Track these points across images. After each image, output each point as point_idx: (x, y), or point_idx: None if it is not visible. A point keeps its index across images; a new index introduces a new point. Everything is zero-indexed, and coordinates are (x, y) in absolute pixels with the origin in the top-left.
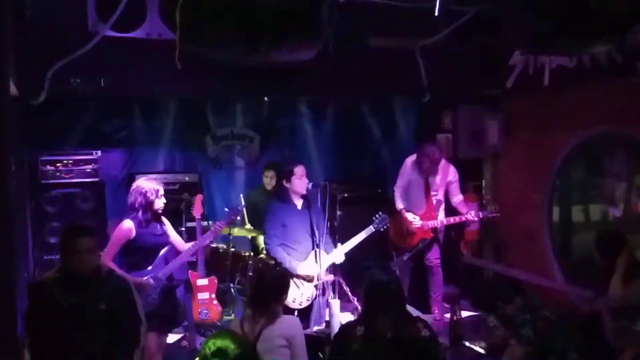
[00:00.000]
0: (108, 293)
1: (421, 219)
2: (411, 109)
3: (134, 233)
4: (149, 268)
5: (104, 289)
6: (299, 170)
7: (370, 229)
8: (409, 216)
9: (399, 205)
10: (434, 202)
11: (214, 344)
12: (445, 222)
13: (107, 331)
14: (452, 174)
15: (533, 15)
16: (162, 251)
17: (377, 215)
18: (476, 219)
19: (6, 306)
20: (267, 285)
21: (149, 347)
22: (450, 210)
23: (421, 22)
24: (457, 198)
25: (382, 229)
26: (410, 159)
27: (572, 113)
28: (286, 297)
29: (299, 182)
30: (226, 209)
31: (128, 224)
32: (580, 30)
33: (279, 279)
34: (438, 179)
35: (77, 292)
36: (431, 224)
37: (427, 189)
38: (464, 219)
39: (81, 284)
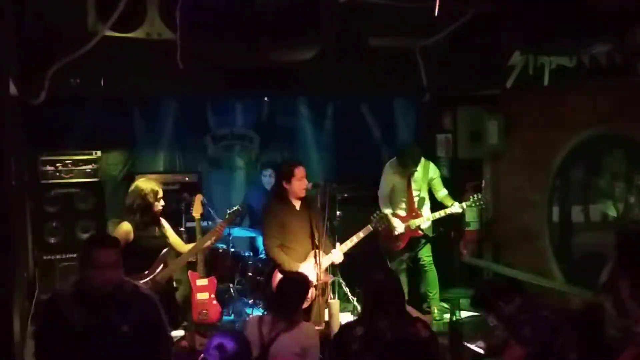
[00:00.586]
0: (132, 314)
1: (406, 219)
2: (411, 109)
3: (132, 236)
4: (147, 271)
5: (127, 309)
6: (299, 171)
7: (369, 228)
8: (395, 223)
9: (385, 211)
10: (417, 200)
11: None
12: (431, 217)
13: (129, 356)
14: (433, 170)
15: (533, 15)
16: (161, 254)
17: (374, 215)
18: (460, 210)
19: (4, 306)
20: (289, 290)
21: None
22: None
23: (421, 22)
24: (442, 193)
25: (380, 228)
26: (389, 164)
27: (572, 113)
28: (305, 301)
29: (299, 184)
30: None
31: (126, 227)
32: (580, 30)
33: (302, 284)
34: (419, 177)
35: (96, 312)
36: (418, 222)
37: (410, 188)
38: (448, 212)
39: (101, 302)
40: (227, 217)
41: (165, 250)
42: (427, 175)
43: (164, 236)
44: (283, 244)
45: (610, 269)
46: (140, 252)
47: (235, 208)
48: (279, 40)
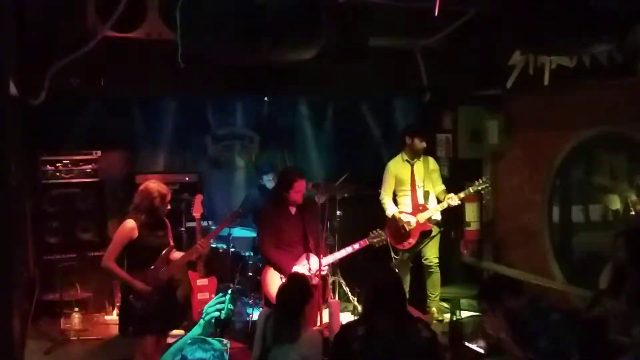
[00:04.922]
0: None
1: (413, 214)
2: (411, 109)
3: (136, 233)
4: (151, 268)
5: None
6: (299, 185)
7: (365, 241)
8: (405, 218)
9: (391, 210)
10: (421, 193)
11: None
12: (439, 208)
13: None
14: (433, 163)
15: (533, 15)
16: (163, 252)
17: (373, 231)
18: (458, 202)
19: (4, 306)
20: (290, 296)
21: (148, 350)
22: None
23: (421, 22)
24: (439, 188)
25: (376, 246)
26: (390, 162)
27: (572, 113)
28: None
29: (296, 196)
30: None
31: (131, 224)
32: (580, 30)
33: (302, 289)
34: (421, 170)
35: None
36: (427, 214)
37: (413, 180)
38: (445, 205)
39: None
40: (226, 218)
41: (167, 249)
42: (427, 168)
43: (166, 235)
44: (278, 245)
45: (613, 270)
46: (143, 250)
47: (235, 210)
48: (279, 40)
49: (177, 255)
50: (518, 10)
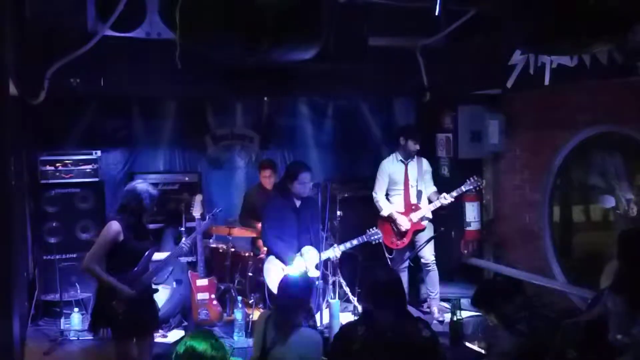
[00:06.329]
0: None
1: (406, 213)
2: (411, 109)
3: (122, 236)
4: (133, 271)
5: None
6: (304, 177)
7: (363, 238)
8: (400, 219)
9: (386, 210)
10: (414, 193)
11: (185, 343)
12: (431, 207)
13: None
14: (426, 164)
15: (533, 15)
16: (146, 254)
17: (370, 229)
18: (450, 200)
19: (4, 306)
20: (291, 291)
21: (131, 353)
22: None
23: (421, 22)
24: (430, 188)
25: (373, 242)
26: (384, 161)
27: (572, 113)
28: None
29: (300, 188)
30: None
31: (116, 227)
32: (581, 30)
33: (304, 285)
34: (415, 170)
35: None
36: (419, 214)
37: (407, 180)
38: (438, 204)
39: None
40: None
41: (149, 251)
42: (421, 168)
43: (149, 238)
44: (279, 236)
45: (615, 269)
46: (126, 253)
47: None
48: (279, 40)
49: (159, 255)
50: (518, 10)
